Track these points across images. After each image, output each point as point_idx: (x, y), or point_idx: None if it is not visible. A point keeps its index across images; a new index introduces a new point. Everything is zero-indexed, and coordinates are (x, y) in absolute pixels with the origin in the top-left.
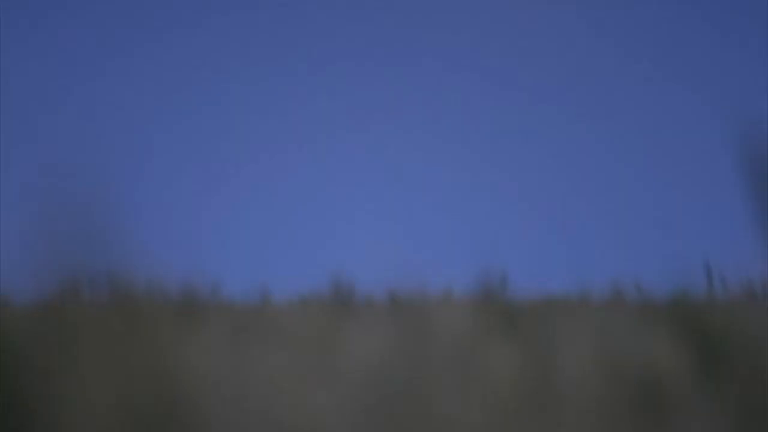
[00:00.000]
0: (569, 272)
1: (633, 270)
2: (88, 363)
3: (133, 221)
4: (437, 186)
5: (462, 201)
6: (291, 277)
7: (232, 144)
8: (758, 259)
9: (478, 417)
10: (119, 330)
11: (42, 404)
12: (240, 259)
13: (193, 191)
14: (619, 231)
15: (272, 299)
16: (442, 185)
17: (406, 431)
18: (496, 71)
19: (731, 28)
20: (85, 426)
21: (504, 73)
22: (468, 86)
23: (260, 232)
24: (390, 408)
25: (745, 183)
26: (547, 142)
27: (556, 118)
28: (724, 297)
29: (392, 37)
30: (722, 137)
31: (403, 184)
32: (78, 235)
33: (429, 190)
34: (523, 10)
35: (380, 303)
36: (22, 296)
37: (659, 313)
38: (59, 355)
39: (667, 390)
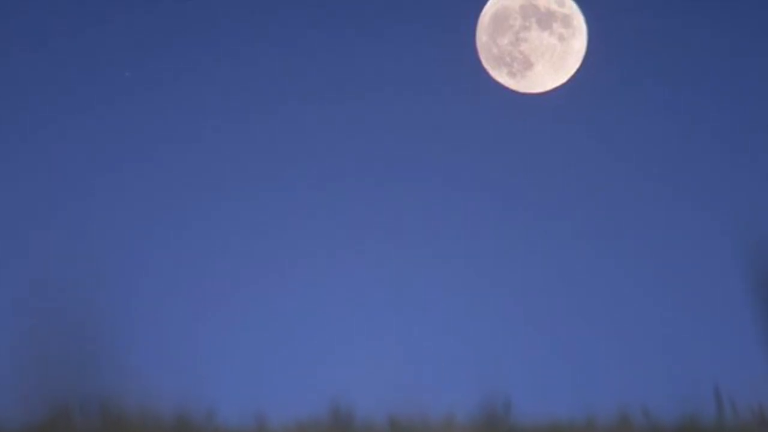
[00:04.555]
0: (575, 396)
1: (640, 393)
2: None
3: (126, 343)
4: (438, 307)
5: (464, 322)
6: (288, 401)
7: (227, 264)
8: None
9: None
10: None
11: None
12: (235, 382)
13: (188, 312)
14: (625, 353)
15: (269, 423)
16: (442, 306)
17: None
18: (499, 189)
19: (742, 149)
20: None
21: (507, 190)
22: (469, 204)
23: (256, 355)
24: None
25: (755, 306)
26: (552, 261)
27: (560, 236)
28: (734, 422)
29: (391, 153)
30: (731, 260)
31: (403, 304)
32: (69, 357)
33: (429, 311)
34: (528, 126)
35: (380, 427)
36: (13, 420)
37: None
38: None
39: None
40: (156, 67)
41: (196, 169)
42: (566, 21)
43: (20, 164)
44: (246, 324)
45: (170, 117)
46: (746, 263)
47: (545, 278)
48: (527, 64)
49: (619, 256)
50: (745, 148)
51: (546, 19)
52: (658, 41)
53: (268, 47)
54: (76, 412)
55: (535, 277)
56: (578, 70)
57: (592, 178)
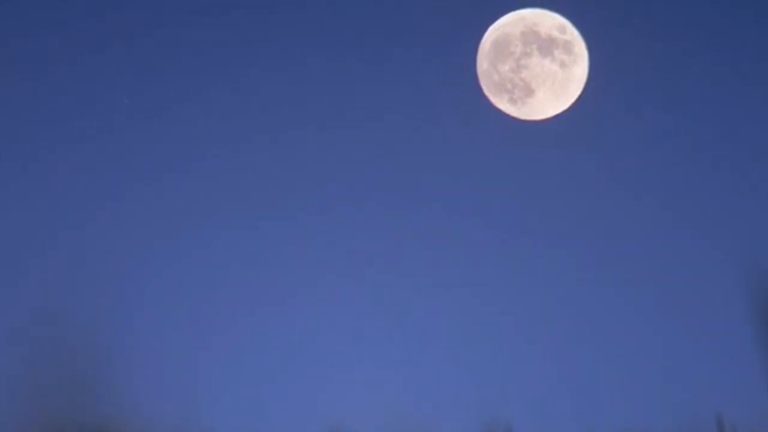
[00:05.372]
0: (576, 423)
1: (642, 421)
2: None
3: (125, 369)
4: (438, 334)
5: (464, 349)
6: (288, 428)
7: (226, 291)
8: None
9: None
10: None
11: None
12: (235, 408)
13: (187, 339)
14: (628, 381)
15: None
16: (442, 333)
17: None
18: (499, 216)
19: (744, 176)
20: None
21: (508, 217)
22: (470, 231)
23: (256, 382)
24: None
25: (757, 334)
26: (553, 288)
27: (561, 263)
28: None
29: (392, 181)
30: (733, 287)
31: (403, 332)
32: (68, 383)
33: (430, 338)
34: (529, 153)
35: None
36: None
37: None
38: None
39: None
40: (155, 93)
41: (196, 196)
42: (567, 48)
43: (19, 191)
44: (246, 350)
45: (170, 144)
46: (748, 291)
47: (546, 305)
48: (528, 91)
49: (620, 283)
50: (746, 176)
51: (547, 46)
52: (660, 68)
53: (269, 74)
54: None
55: (536, 304)
56: (579, 97)
57: (593, 205)
